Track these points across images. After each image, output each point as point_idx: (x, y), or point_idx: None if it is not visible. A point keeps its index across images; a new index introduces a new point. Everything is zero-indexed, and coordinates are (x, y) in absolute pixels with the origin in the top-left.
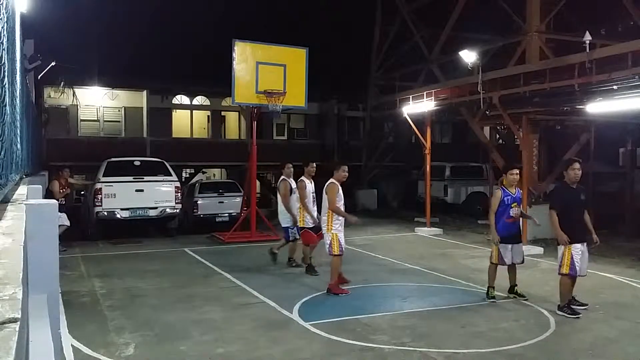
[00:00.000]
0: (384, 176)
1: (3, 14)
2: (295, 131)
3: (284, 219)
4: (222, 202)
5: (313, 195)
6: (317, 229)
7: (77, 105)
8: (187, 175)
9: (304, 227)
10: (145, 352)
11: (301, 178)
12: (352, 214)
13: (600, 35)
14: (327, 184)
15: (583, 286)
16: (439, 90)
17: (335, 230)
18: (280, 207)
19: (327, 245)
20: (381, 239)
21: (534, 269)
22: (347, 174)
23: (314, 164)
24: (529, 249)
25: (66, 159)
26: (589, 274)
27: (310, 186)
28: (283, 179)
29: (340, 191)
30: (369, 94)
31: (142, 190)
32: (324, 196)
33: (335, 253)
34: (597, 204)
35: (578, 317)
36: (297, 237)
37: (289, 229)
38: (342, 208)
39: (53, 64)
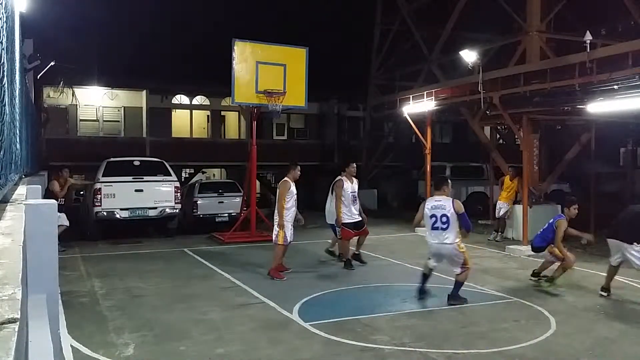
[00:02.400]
0: (384, 176)
1: (2, 13)
2: (295, 131)
3: (331, 217)
4: (222, 202)
5: (353, 195)
6: (357, 225)
7: (76, 105)
8: (187, 175)
9: (342, 223)
10: (145, 352)
11: (340, 177)
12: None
13: (600, 35)
14: (280, 181)
15: (584, 286)
16: (439, 90)
17: (284, 222)
18: (329, 206)
19: (275, 235)
20: (381, 239)
21: (534, 269)
22: (299, 173)
23: (354, 164)
24: (529, 249)
25: (65, 159)
26: (589, 274)
27: (349, 185)
28: (340, 178)
29: (292, 188)
30: (369, 94)
31: (141, 190)
32: (278, 192)
33: (280, 242)
34: (598, 203)
35: None
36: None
37: (335, 227)
38: (295, 204)
39: (52, 63)
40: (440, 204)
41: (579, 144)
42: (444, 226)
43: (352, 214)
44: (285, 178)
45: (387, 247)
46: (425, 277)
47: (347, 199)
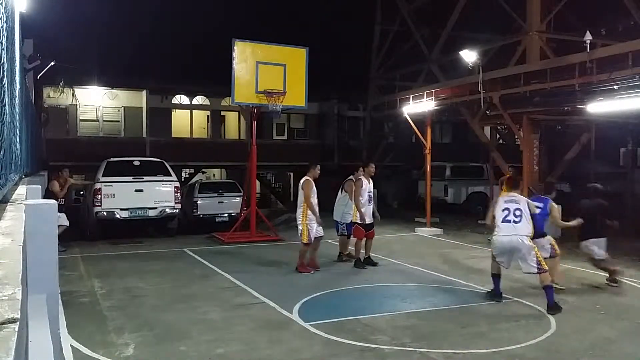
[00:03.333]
0: (384, 176)
1: (2, 13)
2: (295, 131)
3: (338, 215)
4: (222, 202)
5: (370, 194)
6: (368, 227)
7: (76, 105)
8: (187, 175)
9: (356, 222)
10: (145, 352)
11: (359, 177)
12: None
13: (600, 35)
14: (302, 180)
15: (584, 286)
16: (439, 90)
17: (308, 221)
18: (337, 204)
19: (299, 234)
20: (381, 239)
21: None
22: (319, 172)
23: (373, 164)
24: None
25: (65, 159)
26: (590, 274)
27: (367, 185)
28: (360, 178)
29: (314, 187)
30: (369, 94)
31: (141, 190)
32: (300, 191)
33: (305, 242)
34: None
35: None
36: (345, 232)
37: (338, 224)
38: (316, 201)
39: (52, 63)
40: (515, 199)
41: (579, 144)
42: (517, 219)
43: (367, 215)
44: (307, 177)
45: (387, 247)
46: (498, 277)
47: (363, 199)
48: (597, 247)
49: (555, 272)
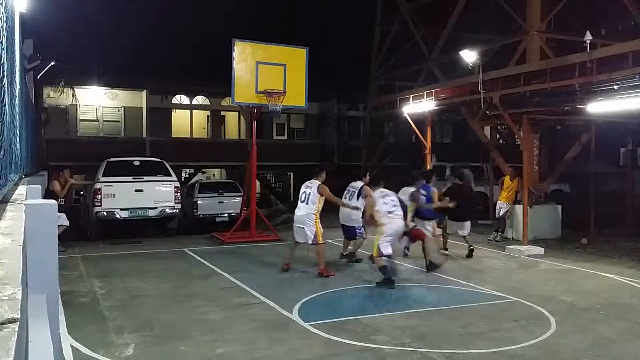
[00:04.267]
0: (384, 176)
1: (2, 13)
2: (295, 131)
3: (346, 218)
4: (222, 202)
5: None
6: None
7: (76, 105)
8: (187, 175)
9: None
10: (145, 352)
11: (362, 184)
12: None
13: (600, 35)
14: (317, 185)
15: (584, 286)
16: (440, 90)
17: (319, 222)
18: (349, 209)
19: (313, 236)
20: None
21: (534, 269)
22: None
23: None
24: (529, 249)
25: (65, 159)
26: (589, 274)
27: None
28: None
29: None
30: (369, 94)
31: (141, 190)
32: (315, 195)
33: (321, 242)
34: (598, 203)
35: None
36: (363, 235)
37: (355, 228)
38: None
39: (52, 63)
40: (388, 192)
41: (579, 144)
42: (396, 209)
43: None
44: (320, 182)
45: None
46: (386, 267)
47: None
48: (460, 228)
49: (437, 246)
